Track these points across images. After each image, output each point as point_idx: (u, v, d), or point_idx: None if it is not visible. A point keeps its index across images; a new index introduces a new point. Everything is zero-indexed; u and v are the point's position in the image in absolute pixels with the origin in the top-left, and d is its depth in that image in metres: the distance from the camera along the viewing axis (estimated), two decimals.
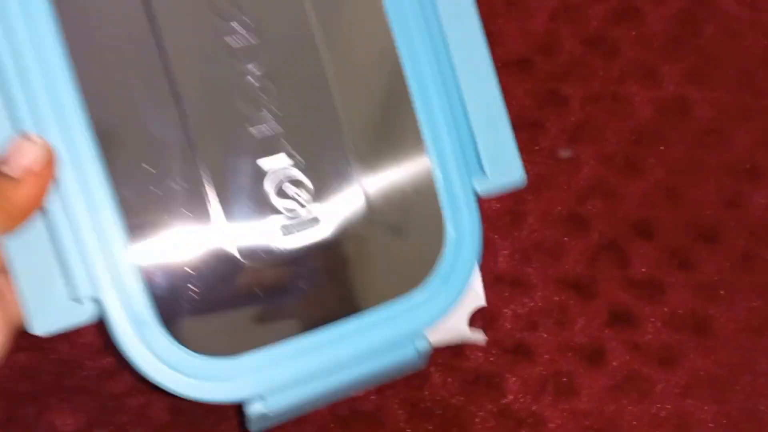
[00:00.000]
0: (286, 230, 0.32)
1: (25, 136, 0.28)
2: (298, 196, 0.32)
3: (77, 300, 0.29)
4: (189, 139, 0.30)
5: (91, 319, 0.30)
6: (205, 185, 0.31)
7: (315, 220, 0.33)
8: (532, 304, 0.49)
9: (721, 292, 0.50)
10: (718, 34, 0.56)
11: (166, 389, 0.31)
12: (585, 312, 0.49)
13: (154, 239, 0.30)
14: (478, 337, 0.40)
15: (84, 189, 0.29)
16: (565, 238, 0.51)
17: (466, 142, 0.34)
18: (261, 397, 0.32)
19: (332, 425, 0.44)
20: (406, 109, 0.33)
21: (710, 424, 0.47)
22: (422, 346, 0.34)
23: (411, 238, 0.34)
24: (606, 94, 0.54)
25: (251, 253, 0.32)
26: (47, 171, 0.28)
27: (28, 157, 0.28)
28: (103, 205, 0.29)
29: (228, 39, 0.31)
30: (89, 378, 0.46)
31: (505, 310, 0.48)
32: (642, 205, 0.52)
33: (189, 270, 0.31)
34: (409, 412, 0.46)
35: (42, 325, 0.29)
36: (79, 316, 0.29)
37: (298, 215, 0.32)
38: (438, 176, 0.34)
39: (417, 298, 0.34)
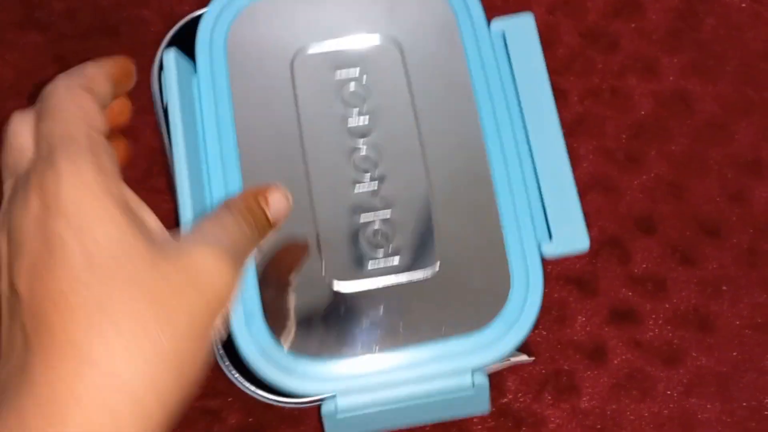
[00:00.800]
0: (371, 265, 0.40)
1: (285, 196, 0.36)
2: (385, 242, 0.40)
3: None
4: (311, 197, 0.40)
5: None
6: (316, 229, 0.40)
7: (395, 262, 0.40)
8: None
9: (724, 287, 0.49)
10: (719, 26, 0.56)
11: (259, 374, 0.38)
12: (586, 309, 0.48)
13: (272, 262, 0.39)
14: (524, 357, 0.41)
15: None
16: None
17: (536, 212, 0.41)
18: (333, 398, 0.38)
19: None
20: (486, 184, 0.41)
21: (714, 423, 0.46)
22: (479, 380, 0.39)
23: (480, 286, 0.40)
24: (605, 88, 0.54)
25: (340, 280, 0.39)
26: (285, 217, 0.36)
27: (284, 214, 0.35)
28: None
29: (350, 127, 0.42)
30: None
31: None
32: (643, 200, 0.51)
33: (293, 288, 0.39)
34: None
35: None
36: None
37: (381, 255, 0.40)
38: (508, 239, 0.40)
39: (479, 338, 0.39)
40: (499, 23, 0.44)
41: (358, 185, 0.41)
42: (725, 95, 0.54)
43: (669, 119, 0.53)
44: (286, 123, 0.41)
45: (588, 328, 0.48)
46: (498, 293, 0.39)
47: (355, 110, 0.42)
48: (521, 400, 0.46)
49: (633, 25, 0.55)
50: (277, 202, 0.35)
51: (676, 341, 0.48)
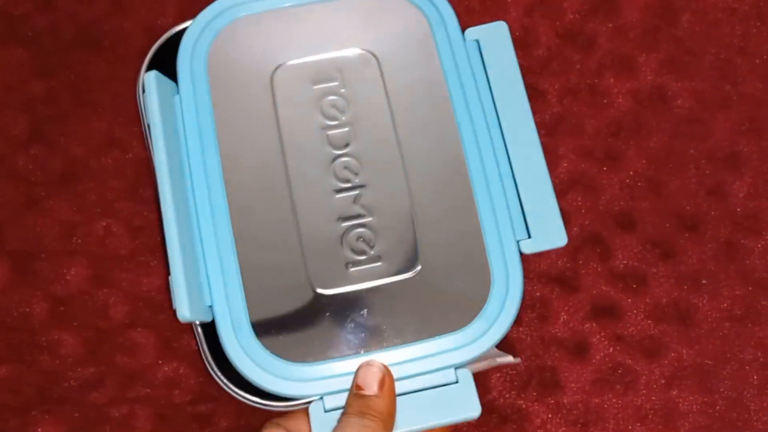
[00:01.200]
0: (353, 270, 0.41)
1: (368, 363, 0.38)
2: (368, 247, 0.41)
3: (206, 305, 0.40)
4: (293, 206, 0.41)
5: (209, 319, 0.40)
6: (300, 236, 0.41)
7: (377, 264, 0.41)
8: None
9: (704, 281, 0.50)
10: (694, 22, 0.56)
11: (248, 378, 0.39)
12: (568, 305, 0.49)
13: (257, 272, 0.40)
14: (510, 358, 0.42)
15: (218, 246, 0.41)
16: None
17: (514, 211, 0.42)
18: (321, 399, 0.39)
19: None
20: (465, 189, 0.42)
21: (696, 414, 0.47)
22: (463, 375, 0.40)
23: (461, 286, 0.41)
24: (583, 87, 0.54)
25: (324, 286, 0.40)
26: (390, 381, 0.38)
27: (378, 378, 0.38)
28: (227, 253, 0.40)
29: (330, 137, 0.43)
30: (72, 389, 0.46)
31: None
32: (622, 197, 0.52)
33: (278, 294, 0.40)
34: None
35: (184, 315, 0.38)
36: (206, 316, 0.39)
37: (364, 260, 0.41)
38: (488, 240, 0.41)
39: (462, 336, 0.40)
40: (474, 32, 0.45)
41: (339, 193, 0.42)
42: (702, 91, 0.55)
43: (647, 116, 0.54)
44: (267, 135, 0.42)
45: (570, 325, 0.49)
46: (479, 292, 0.40)
47: (335, 121, 0.43)
48: (506, 396, 0.47)
49: (610, 24, 0.56)
50: (363, 378, 0.38)
51: (657, 335, 0.49)
